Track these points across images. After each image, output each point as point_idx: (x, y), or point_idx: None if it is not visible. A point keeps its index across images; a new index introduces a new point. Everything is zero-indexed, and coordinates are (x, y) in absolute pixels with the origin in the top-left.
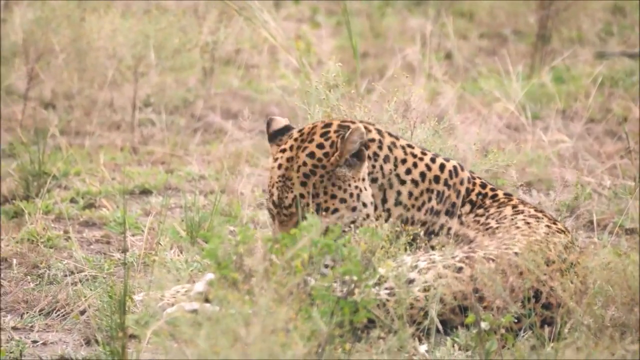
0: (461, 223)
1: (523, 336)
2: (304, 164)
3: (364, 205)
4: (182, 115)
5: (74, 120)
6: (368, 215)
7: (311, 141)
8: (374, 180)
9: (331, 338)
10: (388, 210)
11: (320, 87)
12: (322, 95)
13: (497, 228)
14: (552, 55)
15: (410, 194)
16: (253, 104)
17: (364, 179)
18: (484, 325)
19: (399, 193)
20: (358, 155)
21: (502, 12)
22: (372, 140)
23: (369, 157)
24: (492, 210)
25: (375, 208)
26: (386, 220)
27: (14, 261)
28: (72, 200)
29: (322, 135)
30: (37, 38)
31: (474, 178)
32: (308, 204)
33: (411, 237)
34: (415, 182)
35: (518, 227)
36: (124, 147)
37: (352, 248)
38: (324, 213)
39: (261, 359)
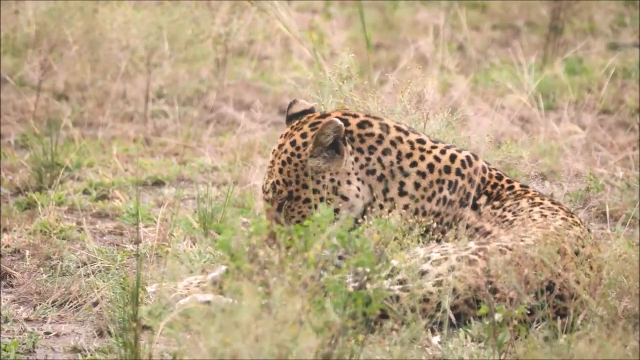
0: (479, 214)
1: (536, 327)
2: (285, 151)
3: (344, 198)
4: (195, 107)
5: (86, 112)
6: (353, 207)
7: (299, 130)
8: (371, 172)
9: (344, 329)
10: (391, 199)
11: (334, 78)
12: (335, 86)
13: (513, 220)
14: (565, 46)
15: (417, 184)
16: (266, 96)
17: (348, 173)
18: (497, 316)
19: (402, 184)
20: (337, 149)
21: (514, 4)
22: (371, 134)
23: (361, 151)
24: (508, 202)
25: (374, 198)
26: (390, 210)
27: (27, 253)
28: (85, 192)
29: (310, 125)
30: (50, 29)
31: (490, 169)
32: (281, 192)
33: (424, 228)
34: (422, 174)
35: (534, 220)
36: (136, 139)
37: (364, 239)
38: (295, 201)
39: (274, 350)
